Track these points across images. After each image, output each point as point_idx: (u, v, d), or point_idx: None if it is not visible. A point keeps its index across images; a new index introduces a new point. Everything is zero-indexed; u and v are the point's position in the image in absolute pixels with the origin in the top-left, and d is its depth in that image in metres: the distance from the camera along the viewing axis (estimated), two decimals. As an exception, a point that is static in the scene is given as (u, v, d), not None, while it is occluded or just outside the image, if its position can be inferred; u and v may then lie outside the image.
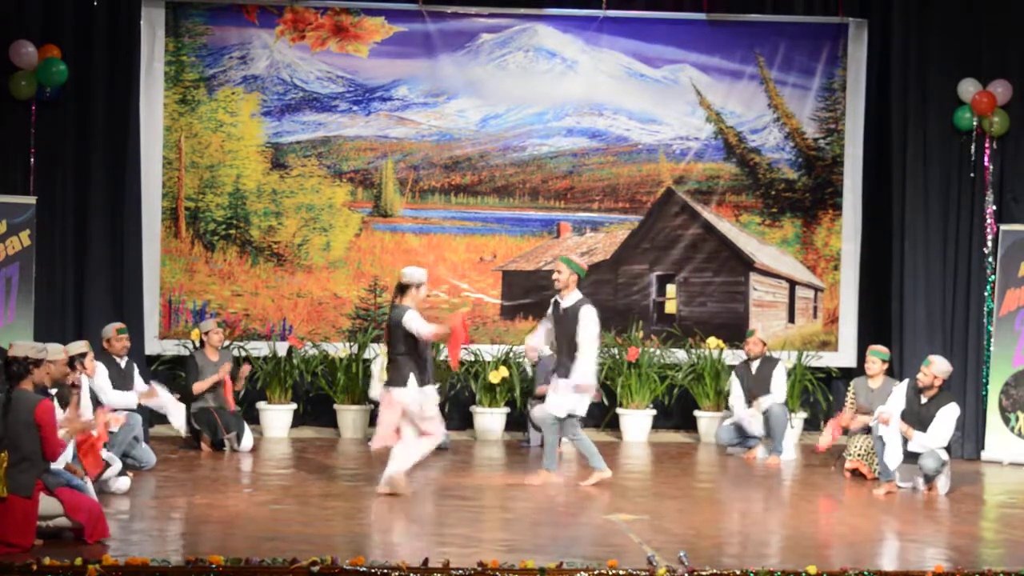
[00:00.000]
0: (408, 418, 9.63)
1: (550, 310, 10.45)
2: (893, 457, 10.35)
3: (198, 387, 11.78)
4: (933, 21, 12.99)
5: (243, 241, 13.44)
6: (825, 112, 13.83)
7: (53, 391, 8.43)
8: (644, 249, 13.78)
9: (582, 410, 10.28)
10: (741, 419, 12.21)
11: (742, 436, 12.31)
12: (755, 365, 12.29)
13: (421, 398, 9.61)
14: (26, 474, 7.61)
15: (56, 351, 8.24)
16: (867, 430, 11.03)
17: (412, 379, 9.57)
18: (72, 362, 9.29)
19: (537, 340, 10.55)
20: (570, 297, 10.25)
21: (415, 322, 9.56)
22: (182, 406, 11.41)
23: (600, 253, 13.73)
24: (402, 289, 9.75)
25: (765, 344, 12.44)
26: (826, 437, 11.25)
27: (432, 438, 9.75)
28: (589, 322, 10.14)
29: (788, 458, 11.96)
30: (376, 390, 12.20)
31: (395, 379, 9.63)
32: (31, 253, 12.03)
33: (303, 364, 13.11)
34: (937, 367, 10.46)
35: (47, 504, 7.73)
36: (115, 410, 10.30)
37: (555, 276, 10.32)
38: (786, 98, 13.80)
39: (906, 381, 10.73)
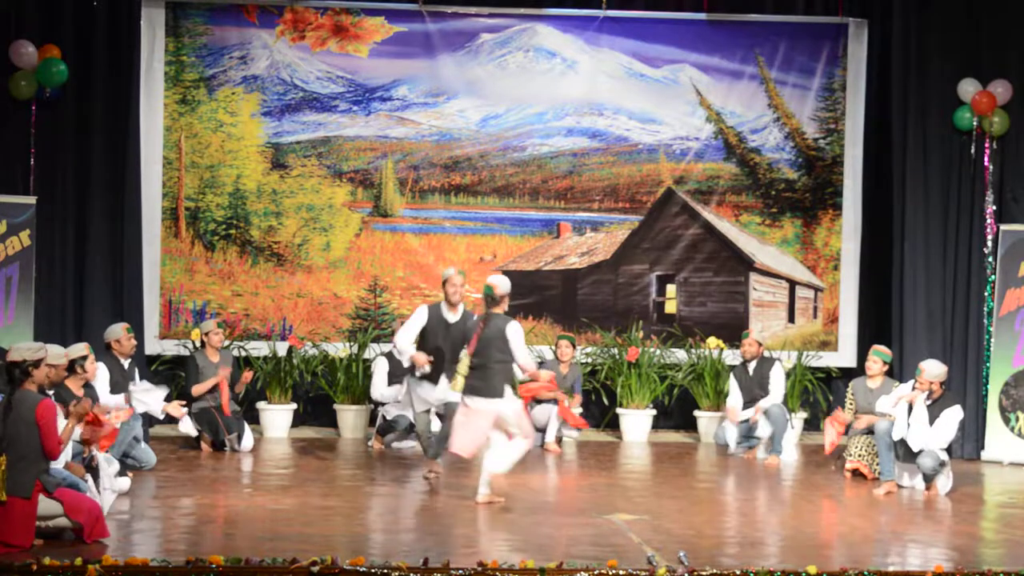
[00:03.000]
0: (498, 424, 9.52)
1: (427, 318, 10.32)
2: (910, 432, 10.31)
3: (197, 390, 11.76)
4: (933, 21, 12.98)
5: (243, 241, 13.44)
6: (825, 112, 13.83)
7: (51, 392, 8.42)
8: (644, 249, 13.78)
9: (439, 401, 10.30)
10: (737, 418, 12.23)
11: (743, 436, 12.31)
12: (752, 366, 12.30)
13: (518, 407, 9.58)
14: (25, 474, 7.62)
15: (57, 354, 8.24)
16: (869, 431, 11.04)
17: (508, 390, 9.49)
18: (72, 366, 9.29)
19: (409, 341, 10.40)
20: (461, 310, 10.40)
21: (519, 342, 9.46)
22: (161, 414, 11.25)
23: (600, 253, 13.72)
24: (494, 300, 9.58)
25: (761, 345, 12.45)
26: (829, 437, 11.32)
27: (525, 440, 9.57)
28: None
29: (788, 458, 11.96)
30: (379, 391, 12.22)
31: (486, 389, 9.43)
32: (31, 253, 12.03)
33: (303, 364, 13.11)
34: (929, 372, 10.42)
35: (47, 504, 7.74)
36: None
37: (464, 293, 10.43)
38: (786, 98, 13.80)
39: (909, 383, 10.72)
